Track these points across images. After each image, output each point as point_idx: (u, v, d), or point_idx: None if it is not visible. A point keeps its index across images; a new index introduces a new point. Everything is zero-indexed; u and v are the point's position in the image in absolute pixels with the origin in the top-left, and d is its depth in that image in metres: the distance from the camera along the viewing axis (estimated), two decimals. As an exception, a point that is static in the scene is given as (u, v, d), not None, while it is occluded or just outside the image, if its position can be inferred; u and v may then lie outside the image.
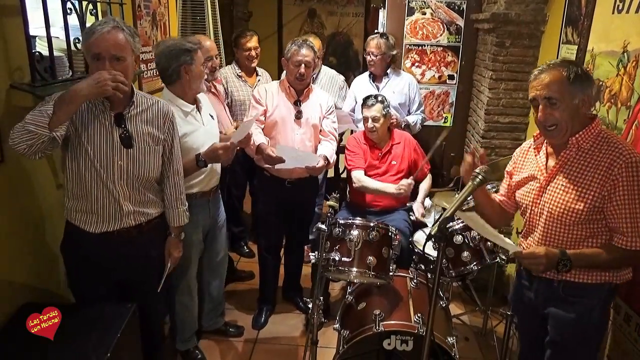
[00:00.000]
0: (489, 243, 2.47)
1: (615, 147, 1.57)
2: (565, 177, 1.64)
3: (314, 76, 3.52)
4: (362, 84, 3.51)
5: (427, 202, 3.17)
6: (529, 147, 1.82)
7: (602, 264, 1.62)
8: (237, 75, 3.38)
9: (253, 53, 3.40)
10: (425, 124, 3.70)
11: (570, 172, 1.63)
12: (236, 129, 2.60)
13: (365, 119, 2.94)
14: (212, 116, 2.48)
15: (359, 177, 2.94)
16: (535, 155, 1.76)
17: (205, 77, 2.75)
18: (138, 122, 1.88)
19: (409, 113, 3.47)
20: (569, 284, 1.68)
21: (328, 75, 3.60)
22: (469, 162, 1.76)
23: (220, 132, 2.54)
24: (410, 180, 2.84)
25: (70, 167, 1.81)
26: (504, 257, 2.51)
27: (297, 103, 2.73)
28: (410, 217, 2.98)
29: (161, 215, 2.06)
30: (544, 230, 1.71)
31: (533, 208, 1.74)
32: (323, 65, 3.61)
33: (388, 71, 3.45)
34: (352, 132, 3.52)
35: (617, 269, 1.65)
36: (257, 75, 3.52)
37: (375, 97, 2.94)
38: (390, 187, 2.88)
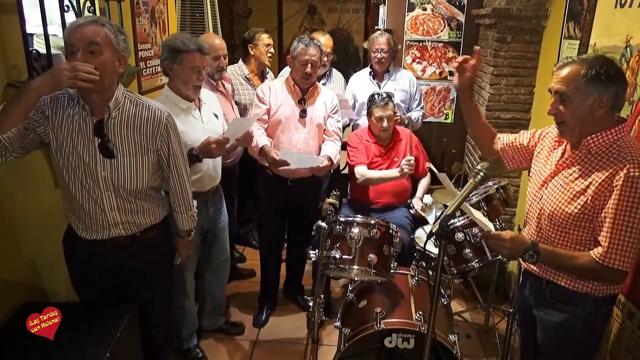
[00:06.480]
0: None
1: (624, 158, 1.48)
2: (567, 177, 1.61)
3: (328, 75, 3.52)
4: (362, 82, 3.46)
5: (428, 199, 3.15)
6: (554, 137, 1.73)
7: (572, 269, 1.59)
8: (245, 77, 3.28)
9: (272, 49, 3.35)
10: (426, 120, 3.68)
11: (572, 174, 1.59)
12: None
13: (380, 119, 2.90)
14: (216, 115, 2.43)
15: (362, 172, 2.92)
16: (554, 149, 1.71)
17: (213, 75, 2.75)
18: (123, 129, 1.72)
19: (408, 110, 3.44)
20: (556, 288, 1.67)
21: (335, 72, 3.61)
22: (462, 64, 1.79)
23: None
24: (410, 157, 2.80)
25: (57, 172, 1.75)
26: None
27: (301, 101, 2.71)
28: (411, 211, 2.97)
29: (160, 224, 1.94)
30: (537, 225, 1.71)
31: (533, 200, 1.74)
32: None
33: (389, 68, 3.42)
34: (353, 128, 3.51)
35: (586, 279, 1.60)
36: (265, 78, 3.41)
37: (388, 95, 2.92)
38: (394, 172, 2.86)
